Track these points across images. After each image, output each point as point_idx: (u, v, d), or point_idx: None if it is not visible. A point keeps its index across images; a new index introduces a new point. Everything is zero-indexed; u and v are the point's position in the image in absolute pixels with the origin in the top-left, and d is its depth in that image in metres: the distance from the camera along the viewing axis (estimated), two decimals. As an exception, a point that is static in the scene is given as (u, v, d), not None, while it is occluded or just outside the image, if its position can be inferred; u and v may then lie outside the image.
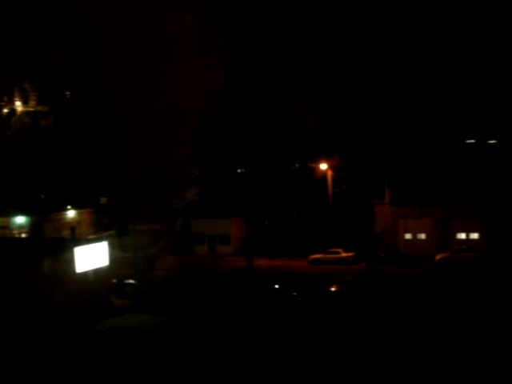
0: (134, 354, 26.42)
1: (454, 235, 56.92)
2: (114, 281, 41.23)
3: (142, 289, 41.68)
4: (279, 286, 42.04)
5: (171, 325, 30.72)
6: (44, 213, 63.69)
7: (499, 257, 51.60)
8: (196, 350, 27.13)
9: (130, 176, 66.68)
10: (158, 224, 64.81)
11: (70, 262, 34.25)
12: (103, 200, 73.32)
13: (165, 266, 51.38)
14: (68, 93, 70.71)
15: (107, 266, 37.43)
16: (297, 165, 67.80)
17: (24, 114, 66.52)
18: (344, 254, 55.02)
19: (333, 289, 42.15)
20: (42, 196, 67.90)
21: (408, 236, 58.51)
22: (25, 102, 66.64)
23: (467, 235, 56.75)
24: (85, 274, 35.08)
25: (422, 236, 58.22)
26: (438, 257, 53.10)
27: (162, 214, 66.83)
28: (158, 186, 68.51)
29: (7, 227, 62.50)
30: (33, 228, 62.18)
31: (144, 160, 70.09)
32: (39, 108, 67.74)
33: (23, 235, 60.59)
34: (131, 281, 43.46)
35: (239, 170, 70.74)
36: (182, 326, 30.96)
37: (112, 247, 39.85)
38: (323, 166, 58.40)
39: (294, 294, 39.06)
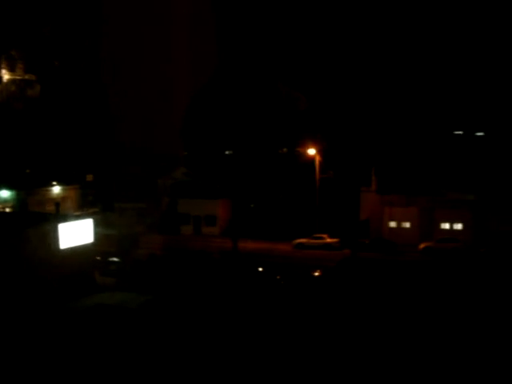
0: (117, 331, 26.46)
1: (439, 225, 57.30)
2: (98, 258, 41.14)
3: (125, 267, 41.64)
4: (263, 268, 42.19)
5: (154, 303, 30.79)
6: (29, 188, 63.19)
7: (482, 248, 52.08)
8: (178, 328, 27.23)
9: (118, 153, 66.33)
10: (143, 203, 64.65)
11: (54, 237, 34.12)
12: (89, 177, 72.89)
13: (149, 244, 51.30)
14: (57, 62, 69.44)
15: (91, 243, 37.35)
16: (285, 149, 67.80)
17: (10, 82, 65.36)
18: (328, 240, 55.21)
19: (316, 273, 42.38)
20: (27, 171, 67.33)
21: (393, 224, 58.80)
22: (11, 70, 65.39)
23: (451, 225, 57.16)
24: (69, 250, 34.98)
25: (407, 224, 58.54)
26: (422, 246, 53.51)
27: (148, 192, 66.64)
28: (145, 165, 68.26)
29: (-9, 201, 62.06)
30: (17, 203, 61.73)
31: (132, 138, 69.74)
32: (26, 76, 66.49)
33: (7, 209, 60.15)
34: (115, 258, 43.39)
35: (227, 152, 70.63)
36: (165, 305, 31.02)
37: (97, 224, 39.74)
38: (311, 151, 58.38)
39: (278, 277, 39.23)
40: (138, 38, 72.65)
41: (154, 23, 73.54)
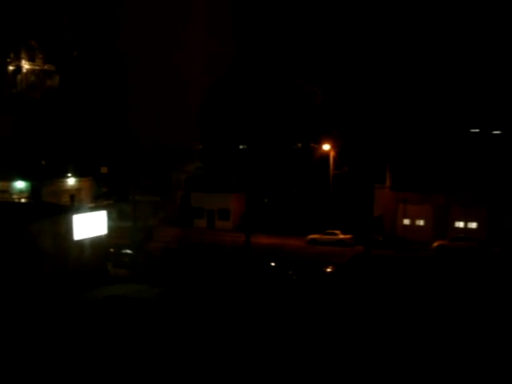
0: (131, 322, 26.63)
1: (453, 223, 56.94)
2: (112, 250, 41.41)
3: (139, 259, 41.88)
4: (275, 263, 42.22)
5: (167, 296, 30.94)
6: (44, 179, 63.65)
7: (496, 247, 51.69)
8: (191, 322, 27.35)
9: (133, 146, 66.57)
10: (157, 196, 64.92)
11: (69, 228, 34.37)
12: (104, 169, 73.28)
13: (163, 237, 51.53)
14: (75, 53, 69.79)
15: (105, 235, 37.58)
16: (299, 144, 67.61)
17: (30, 72, 65.76)
18: (341, 236, 55.14)
19: (328, 269, 42.34)
20: (43, 162, 67.80)
21: (407, 221, 58.56)
22: (31, 60, 65.78)
23: (465, 224, 56.77)
24: (83, 242, 35.24)
25: (421, 222, 58.27)
26: (436, 244, 53.22)
27: (162, 186, 66.91)
28: (159, 158, 68.46)
29: (7, 191, 62.56)
30: (32, 193, 62.23)
31: (147, 131, 69.96)
32: (46, 67, 66.92)
33: (23, 200, 60.68)
34: (129, 251, 43.66)
35: (242, 147, 70.61)
36: (178, 298, 31.17)
37: (111, 216, 39.98)
38: (326, 147, 58.24)
39: (290, 272, 39.25)
40: (156, 31, 72.81)
41: (171, 16, 73.67)
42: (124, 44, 70.70)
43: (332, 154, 57.91)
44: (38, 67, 66.14)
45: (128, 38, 70.69)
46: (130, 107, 71.44)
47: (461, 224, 56.99)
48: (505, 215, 54.91)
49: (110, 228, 38.27)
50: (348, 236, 55.03)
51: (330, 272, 41.70)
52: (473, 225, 56.57)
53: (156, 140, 69.46)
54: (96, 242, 36.34)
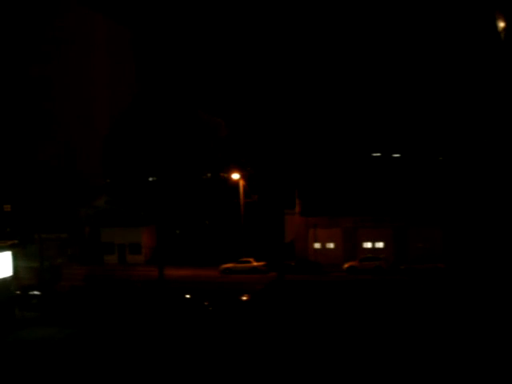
0: (40, 367, 25.43)
1: (361, 244, 58.91)
2: (18, 292, 39.48)
3: (48, 300, 40.15)
4: (190, 295, 41.76)
5: (78, 337, 29.86)
6: None
7: (402, 264, 53.83)
8: (105, 361, 26.48)
9: (37, 182, 64.30)
10: (65, 232, 62.81)
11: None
12: (6, 207, 70.15)
13: (72, 276, 49.77)
14: None
15: (11, 277, 35.83)
16: (209, 174, 67.88)
17: None
18: (255, 264, 55.47)
19: (244, 298, 42.37)
20: None
21: (317, 245, 59.90)
22: None
23: (373, 244, 58.90)
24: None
25: (331, 245, 59.80)
26: (346, 265, 54.70)
27: (70, 222, 64.81)
28: (66, 194, 66.46)
29: None
30: None
31: (51, 166, 67.89)
32: None
33: None
34: (36, 292, 41.77)
35: (151, 179, 69.91)
36: (89, 338, 30.14)
37: (16, 257, 38.22)
38: (235, 176, 58.75)
39: (206, 303, 38.95)
40: (63, 61, 71.43)
41: (74, 48, 72.55)
42: (33, 72, 68.91)
43: (242, 182, 58.47)
44: None
45: (36, 66, 69.01)
46: (32, 142, 69.22)
47: (369, 244, 59.05)
48: (408, 233, 57.57)
49: (15, 269, 36.52)
50: (261, 263, 55.44)
51: (245, 300, 41.73)
52: (380, 244, 58.78)
53: (62, 174, 67.51)
54: (1, 285, 34.55)
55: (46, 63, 70.74)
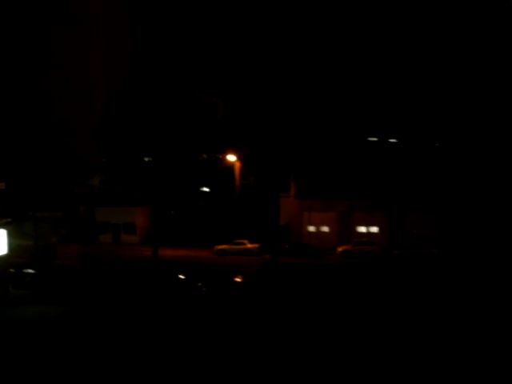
0: (33, 346, 25.52)
1: (355, 228, 59.07)
2: (12, 270, 39.51)
3: (41, 278, 40.20)
4: (184, 276, 41.89)
5: (72, 315, 29.96)
6: None
7: (396, 249, 54.08)
8: (97, 340, 26.59)
9: (31, 160, 63.96)
10: (59, 211, 62.64)
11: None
12: (1, 185, 69.80)
13: (66, 255, 49.80)
14: None
15: (5, 255, 35.82)
16: (205, 155, 67.58)
17: None
18: (249, 245, 55.63)
19: (237, 279, 42.54)
20: None
21: (312, 228, 60.03)
22: None
23: (367, 228, 59.08)
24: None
25: (325, 229, 59.96)
26: (340, 249, 54.88)
27: (64, 200, 64.63)
28: (60, 172, 66.18)
29: None
30: None
31: (46, 144, 67.51)
32: None
33: None
34: (30, 270, 41.80)
35: (146, 159, 69.56)
36: (82, 316, 30.25)
37: (10, 235, 38.18)
38: (231, 158, 58.65)
39: (199, 284, 39.10)
40: (54, 42, 70.70)
41: (70, 25, 71.77)
42: (24, 53, 68.27)
43: (238, 164, 58.37)
44: None
45: (27, 47, 68.33)
46: (27, 119, 68.72)
47: (363, 229, 59.23)
48: (402, 218, 57.71)
49: (9, 247, 36.50)
50: (255, 245, 55.60)
51: (239, 282, 41.90)
52: (374, 229, 58.97)
53: (57, 152, 67.13)
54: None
55: (40, 40, 70.02)
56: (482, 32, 57.98)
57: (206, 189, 63.08)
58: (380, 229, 58.56)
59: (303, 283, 39.25)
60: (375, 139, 61.91)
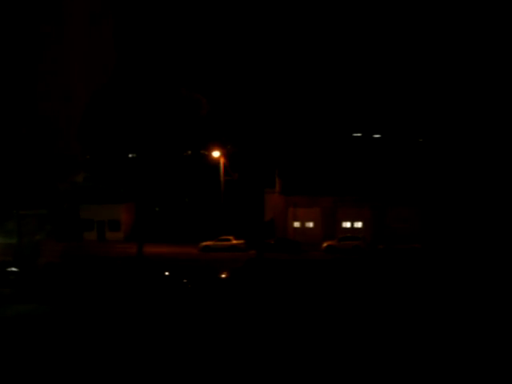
0: (16, 345, 25.44)
1: (340, 224, 59.33)
2: (-5, 268, 39.35)
3: (25, 277, 40.02)
4: (169, 272, 41.90)
5: (55, 314, 29.88)
6: None
7: (380, 244, 54.43)
8: (81, 338, 26.56)
9: (15, 157, 63.46)
10: (44, 209, 62.30)
11: None
12: (-16, 183, 69.34)
13: (51, 252, 49.55)
14: None
15: (-12, 253, 35.69)
16: (189, 151, 67.47)
17: None
18: (234, 242, 55.69)
19: (223, 275, 42.63)
20: None
21: (297, 224, 60.21)
22: None
23: (352, 224, 59.35)
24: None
25: (310, 224, 60.15)
26: (325, 244, 55.10)
27: (48, 198, 64.27)
28: (44, 169, 65.75)
29: None
30: None
31: (30, 141, 66.97)
32: None
33: None
34: (14, 268, 41.61)
35: (130, 155, 69.32)
36: (66, 315, 30.17)
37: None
38: (216, 154, 58.65)
39: (185, 280, 39.14)
40: (40, 33, 70.12)
41: (53, 20, 71.23)
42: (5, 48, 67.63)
43: (222, 160, 58.38)
44: None
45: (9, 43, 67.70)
46: (11, 115, 68.16)
47: (348, 224, 59.50)
48: (387, 214, 58.12)
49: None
50: (241, 241, 55.68)
51: (224, 278, 42.00)
52: (358, 224, 59.26)
53: (41, 149, 66.67)
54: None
55: (23, 37, 69.43)
56: (463, 26, 58.39)
57: (190, 185, 62.98)
58: (364, 224, 58.87)
59: (286, 278, 39.41)
60: (359, 135, 62.17)
